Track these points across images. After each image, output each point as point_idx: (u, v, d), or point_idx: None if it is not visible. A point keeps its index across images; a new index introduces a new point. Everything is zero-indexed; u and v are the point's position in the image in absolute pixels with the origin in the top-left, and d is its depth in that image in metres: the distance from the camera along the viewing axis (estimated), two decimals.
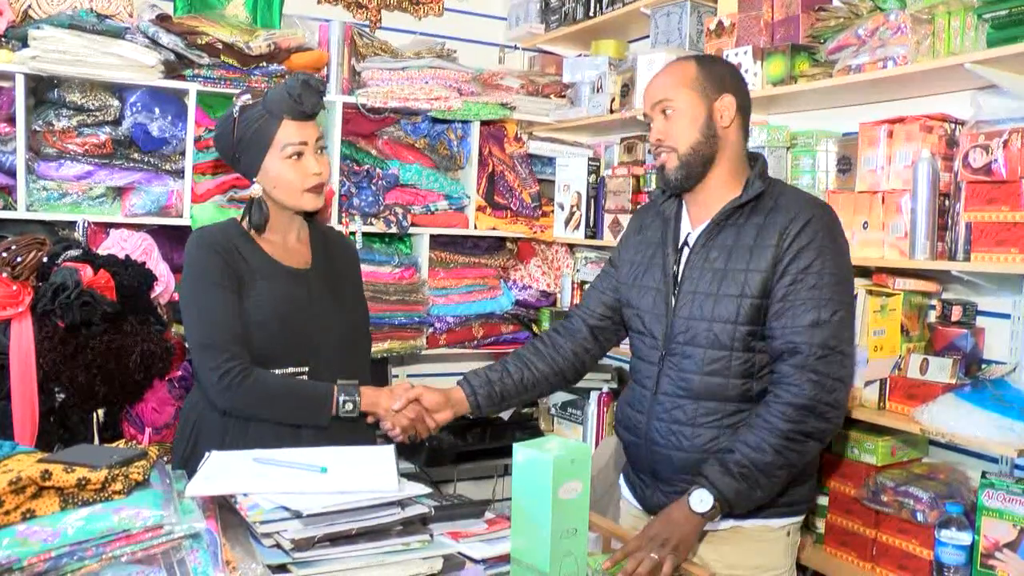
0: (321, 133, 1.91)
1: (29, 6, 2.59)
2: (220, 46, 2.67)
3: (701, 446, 1.67)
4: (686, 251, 1.75)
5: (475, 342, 3.23)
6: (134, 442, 1.48)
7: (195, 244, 1.88)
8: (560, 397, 3.27)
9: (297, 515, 1.32)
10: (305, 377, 1.88)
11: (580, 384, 3.18)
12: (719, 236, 1.70)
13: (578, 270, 3.25)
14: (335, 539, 1.33)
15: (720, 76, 1.71)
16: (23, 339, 2.27)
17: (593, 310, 1.95)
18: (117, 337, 2.33)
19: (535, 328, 3.38)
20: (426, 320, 3.09)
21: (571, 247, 3.37)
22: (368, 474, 1.48)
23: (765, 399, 1.62)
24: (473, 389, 1.90)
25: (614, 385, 3.21)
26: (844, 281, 1.65)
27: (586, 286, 3.09)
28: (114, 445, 1.48)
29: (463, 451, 3.07)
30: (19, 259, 2.31)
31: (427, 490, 1.47)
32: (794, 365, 1.59)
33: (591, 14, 3.10)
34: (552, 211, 3.29)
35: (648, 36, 3.01)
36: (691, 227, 1.77)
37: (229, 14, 2.90)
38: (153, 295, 2.53)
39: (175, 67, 2.66)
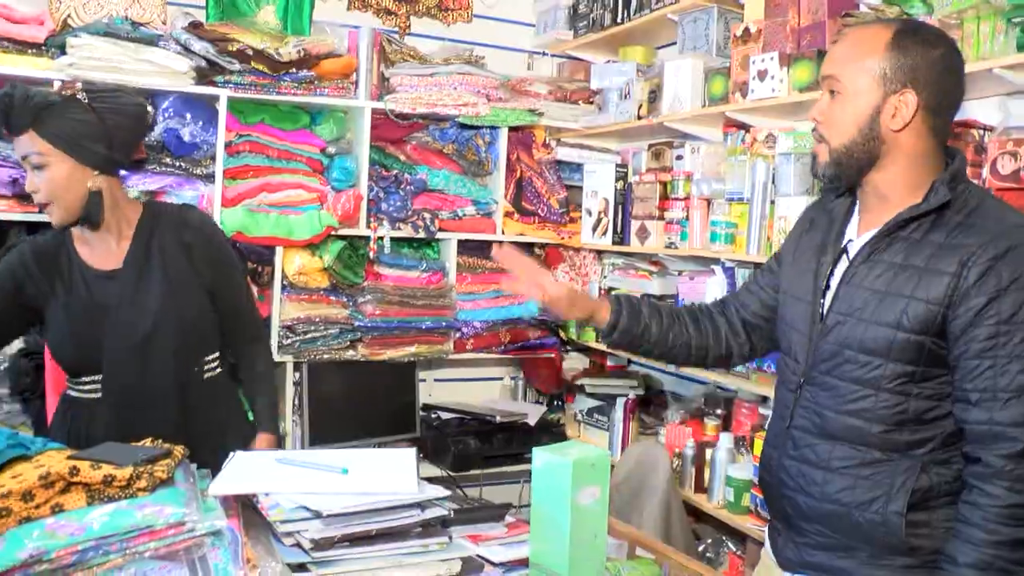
0: (35, 150, 1.77)
1: (68, 15, 2.66)
2: (251, 52, 2.71)
3: (832, 494, 1.43)
4: (844, 262, 1.48)
5: (502, 347, 3.24)
6: (159, 441, 1.50)
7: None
8: (587, 403, 3.27)
9: (317, 515, 1.34)
10: (98, 385, 1.87)
11: (605, 390, 3.23)
12: (888, 249, 1.41)
13: (605, 276, 3.25)
14: (354, 539, 1.34)
15: (912, 66, 1.36)
16: None
17: (745, 303, 1.72)
18: None
19: (562, 334, 3.38)
20: (453, 325, 3.10)
21: (599, 253, 3.38)
22: (388, 476, 1.49)
23: (972, 498, 1.32)
24: (620, 311, 1.68)
25: (640, 391, 3.20)
26: None
27: (612, 292, 3.10)
28: (141, 444, 1.50)
29: (489, 455, 3.09)
30: None
31: (446, 492, 1.48)
32: (1005, 456, 1.29)
33: (619, 20, 3.10)
34: (579, 217, 3.29)
35: (675, 42, 3.02)
36: (857, 233, 1.49)
37: (260, 21, 2.95)
38: None
39: (206, 73, 2.71)
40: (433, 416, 3.21)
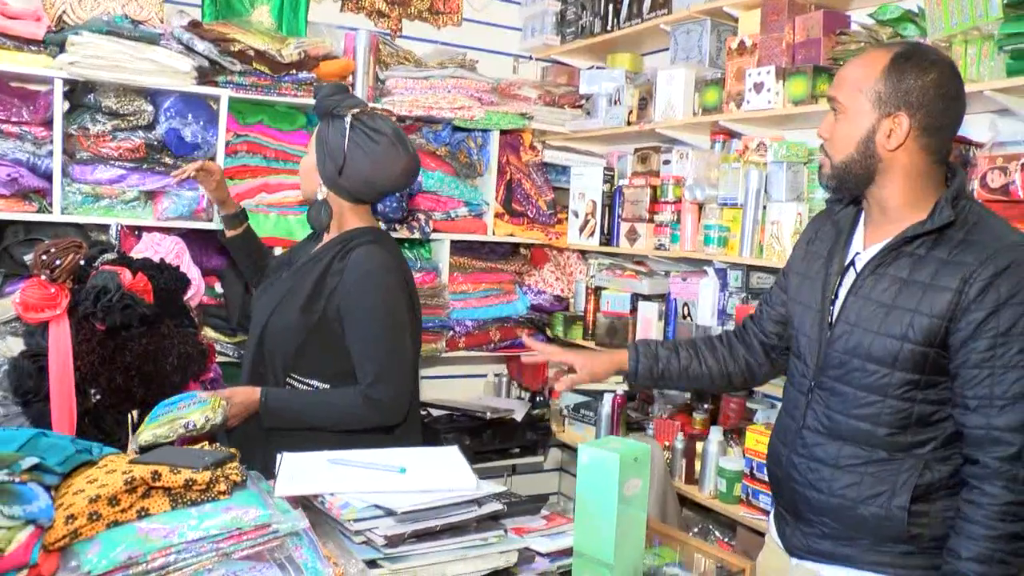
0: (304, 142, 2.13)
1: (64, 12, 2.62)
2: (252, 53, 2.72)
3: (839, 490, 1.53)
4: (851, 273, 1.57)
5: (492, 345, 3.31)
6: (217, 444, 1.54)
7: None
8: (572, 399, 3.36)
9: (390, 513, 1.40)
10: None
11: (592, 386, 3.32)
12: (894, 264, 1.50)
13: (592, 276, 3.34)
14: (421, 535, 1.40)
15: (907, 89, 1.45)
16: (61, 341, 2.31)
17: (763, 327, 1.82)
18: (155, 339, 2.37)
19: (548, 332, 3.47)
20: (447, 323, 3.16)
21: (583, 253, 3.47)
22: (446, 473, 1.56)
23: (972, 496, 1.42)
24: (637, 357, 1.83)
25: (625, 387, 3.30)
26: None
27: (602, 292, 3.20)
28: (198, 447, 1.54)
29: (479, 451, 3.15)
30: (58, 262, 2.35)
31: (501, 488, 1.55)
32: (1001, 458, 1.39)
33: (609, 28, 3.20)
34: (566, 218, 3.38)
35: (663, 50, 3.12)
36: (863, 246, 1.57)
37: (255, 21, 2.95)
38: (185, 298, 2.58)
39: (206, 73, 2.71)
40: (424, 413, 3.26)
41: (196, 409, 1.78)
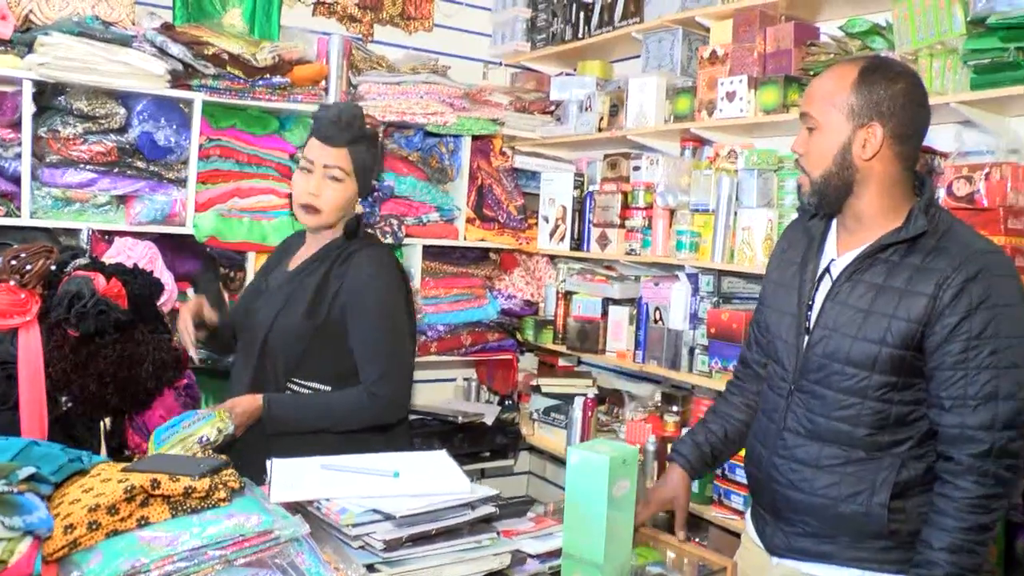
0: (340, 165, 2.01)
1: (30, 11, 2.58)
2: (226, 57, 2.70)
3: (819, 489, 1.57)
4: (827, 280, 1.61)
5: (463, 350, 3.33)
6: (209, 451, 1.54)
7: None
8: (543, 403, 3.39)
9: (389, 517, 1.41)
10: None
11: (563, 390, 3.36)
12: (869, 270, 1.55)
13: (563, 280, 3.38)
14: (417, 539, 1.42)
15: (877, 100, 1.51)
16: (31, 348, 2.26)
17: (757, 358, 1.84)
18: (129, 346, 2.34)
19: (519, 336, 3.50)
20: (419, 328, 3.17)
21: (552, 258, 3.51)
22: (439, 477, 1.58)
23: (946, 491, 1.48)
24: (687, 458, 1.86)
25: (595, 391, 3.35)
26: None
27: (573, 297, 3.24)
28: (193, 455, 1.53)
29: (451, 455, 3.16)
30: (28, 267, 2.30)
31: (493, 491, 1.57)
32: (973, 455, 1.45)
33: (580, 36, 3.24)
34: (536, 223, 3.42)
35: (633, 57, 3.18)
36: (837, 253, 1.62)
37: (226, 24, 2.93)
38: (159, 303, 2.55)
39: (179, 76, 2.68)
40: None
41: (204, 423, 1.77)
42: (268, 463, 1.63)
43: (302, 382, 2.03)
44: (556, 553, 1.53)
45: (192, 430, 1.76)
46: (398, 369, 2.03)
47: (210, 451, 1.64)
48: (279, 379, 2.03)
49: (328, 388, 2.03)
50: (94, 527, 1.24)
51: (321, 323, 2.00)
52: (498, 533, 1.51)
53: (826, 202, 1.59)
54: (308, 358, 2.02)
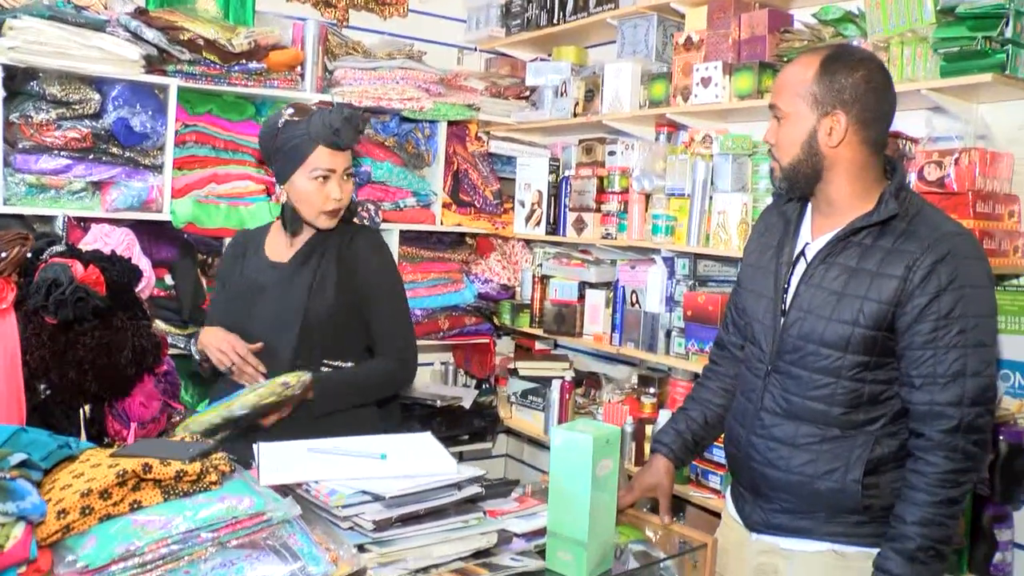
0: (351, 162, 2.11)
1: None
2: (202, 42, 2.68)
3: (796, 467, 1.62)
4: (802, 263, 1.66)
5: (441, 334, 3.35)
6: (197, 436, 1.54)
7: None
8: (520, 386, 3.43)
9: (378, 498, 1.43)
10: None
11: (540, 373, 3.40)
12: (843, 253, 1.59)
13: (539, 264, 3.41)
14: (406, 519, 1.44)
15: (840, 88, 1.55)
16: (7, 336, 2.25)
17: (734, 340, 1.88)
18: (108, 333, 2.33)
19: (495, 320, 3.52)
20: None
21: (528, 242, 3.53)
22: (425, 458, 1.60)
23: (917, 466, 1.52)
24: (670, 447, 1.88)
25: (571, 373, 3.39)
26: (991, 324, 1.53)
27: (550, 280, 3.27)
28: (178, 439, 1.54)
29: None
30: (3, 255, 2.29)
31: (480, 472, 1.60)
32: (943, 431, 1.50)
33: (555, 21, 3.26)
34: (512, 208, 3.44)
35: (608, 43, 3.20)
36: (811, 236, 1.67)
37: (200, 8, 2.90)
38: (137, 290, 2.53)
39: (154, 62, 2.66)
40: None
41: (271, 380, 1.88)
42: (255, 447, 1.65)
43: (331, 363, 2.10)
44: (541, 532, 1.56)
45: (260, 385, 1.87)
46: (413, 335, 2.24)
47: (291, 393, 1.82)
48: (316, 362, 2.07)
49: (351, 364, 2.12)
50: (87, 512, 1.25)
51: (351, 300, 2.09)
52: (484, 513, 1.54)
53: (796, 188, 1.64)
54: (344, 336, 2.11)
